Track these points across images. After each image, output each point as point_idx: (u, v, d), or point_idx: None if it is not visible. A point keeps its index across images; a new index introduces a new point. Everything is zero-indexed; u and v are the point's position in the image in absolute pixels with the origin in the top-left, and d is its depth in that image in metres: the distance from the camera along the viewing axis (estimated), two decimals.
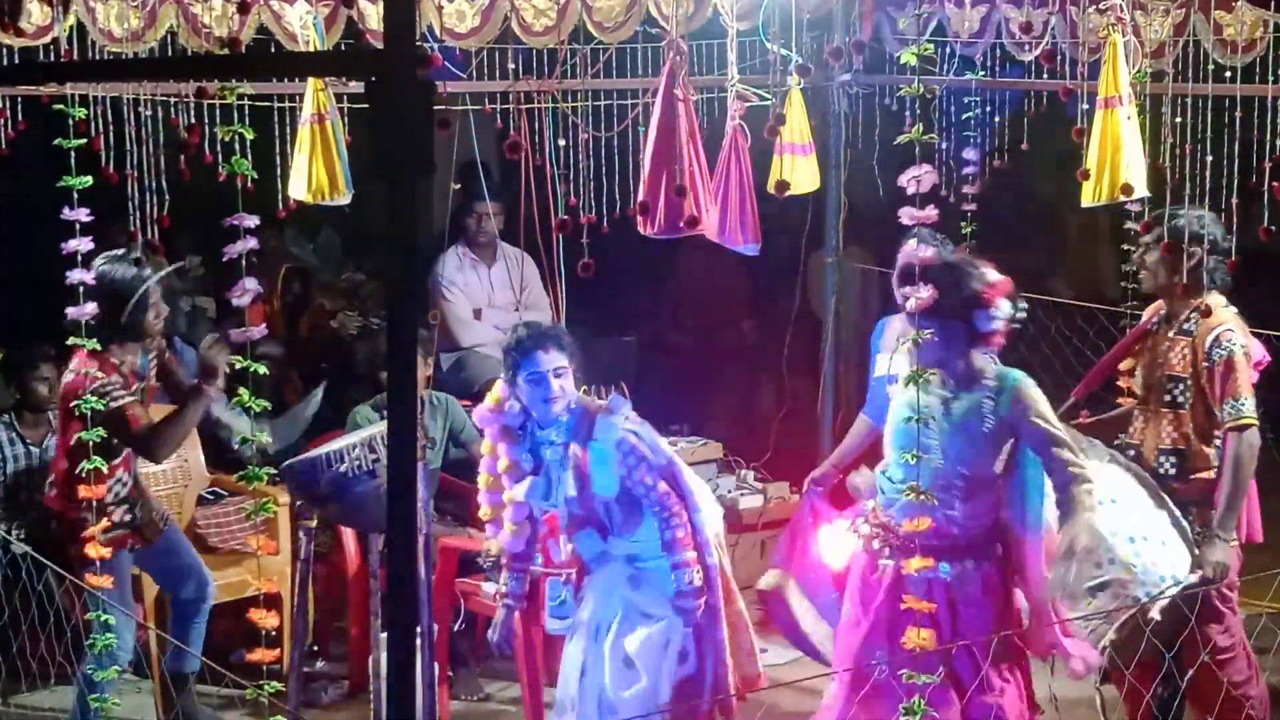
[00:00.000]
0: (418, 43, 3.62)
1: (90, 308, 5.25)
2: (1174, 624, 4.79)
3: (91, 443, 5.38)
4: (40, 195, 5.46)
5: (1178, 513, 5.16)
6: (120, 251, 5.67)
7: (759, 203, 5.80)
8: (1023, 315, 4.85)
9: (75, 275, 5.21)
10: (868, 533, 5.00)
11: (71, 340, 5.36)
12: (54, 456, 5.95)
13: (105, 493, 5.41)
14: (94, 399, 5.32)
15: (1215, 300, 5.19)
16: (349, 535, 6.38)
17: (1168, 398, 5.25)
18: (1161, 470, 5.25)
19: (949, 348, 4.77)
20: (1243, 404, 5.06)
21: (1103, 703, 5.38)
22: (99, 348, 5.51)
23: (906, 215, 4.67)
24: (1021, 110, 6.15)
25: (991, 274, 4.81)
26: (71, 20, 5.15)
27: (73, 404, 5.40)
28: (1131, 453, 5.36)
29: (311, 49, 5.40)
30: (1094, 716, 5.40)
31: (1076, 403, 5.61)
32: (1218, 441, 5.20)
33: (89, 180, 5.11)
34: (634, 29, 5.75)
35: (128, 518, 5.77)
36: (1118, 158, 4.92)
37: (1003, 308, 4.79)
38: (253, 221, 4.85)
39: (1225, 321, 5.15)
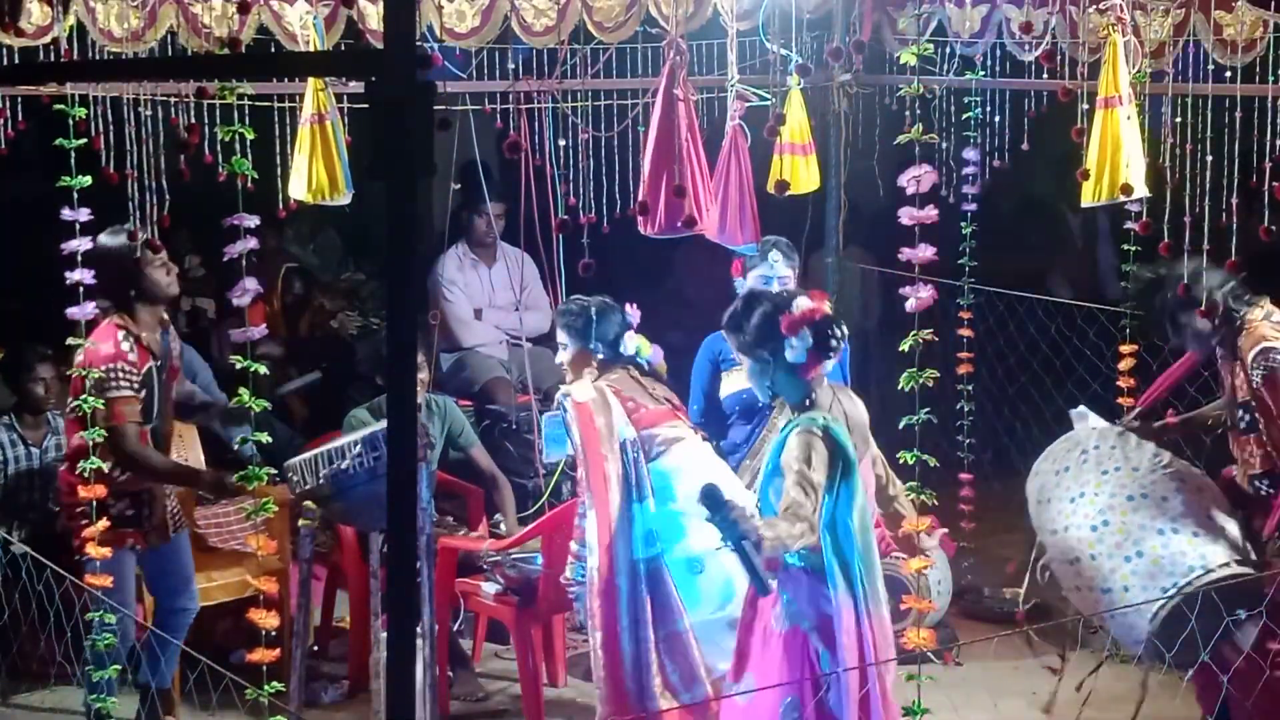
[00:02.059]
0: (418, 43, 3.62)
1: (90, 307, 5.26)
2: (1212, 619, 4.75)
3: (93, 442, 5.40)
4: (41, 195, 5.47)
5: (1221, 508, 5.15)
6: (120, 227, 5.60)
7: (759, 203, 5.80)
8: (837, 343, 4.57)
9: (75, 275, 5.22)
10: None
11: (71, 340, 5.38)
12: (66, 430, 5.89)
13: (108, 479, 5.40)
14: (93, 399, 5.32)
15: (1252, 315, 5.17)
16: (349, 535, 6.38)
17: (1243, 424, 5.22)
18: (1260, 494, 5.22)
19: (761, 377, 4.60)
20: None
21: (1141, 701, 5.39)
22: (118, 320, 5.52)
23: (906, 215, 4.67)
24: (1021, 110, 6.15)
25: (801, 302, 4.55)
26: (71, 20, 5.15)
27: (82, 374, 5.37)
28: (1235, 476, 5.36)
29: (311, 49, 5.40)
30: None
31: (1143, 412, 5.62)
32: None
33: (89, 180, 5.12)
34: (634, 29, 5.75)
35: (130, 513, 5.66)
36: (1118, 158, 4.92)
37: (804, 338, 4.49)
38: (253, 221, 4.86)
39: (1264, 338, 5.10)
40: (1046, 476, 5.40)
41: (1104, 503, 5.16)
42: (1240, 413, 5.22)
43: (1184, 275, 5.02)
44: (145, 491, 5.69)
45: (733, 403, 5.80)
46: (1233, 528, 5.12)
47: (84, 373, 5.32)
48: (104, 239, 5.43)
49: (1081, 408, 5.57)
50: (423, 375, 6.41)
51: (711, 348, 5.87)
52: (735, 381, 5.75)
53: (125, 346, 5.51)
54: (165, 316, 5.78)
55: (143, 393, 5.56)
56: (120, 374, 5.46)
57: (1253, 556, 5.08)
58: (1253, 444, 5.21)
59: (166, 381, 5.72)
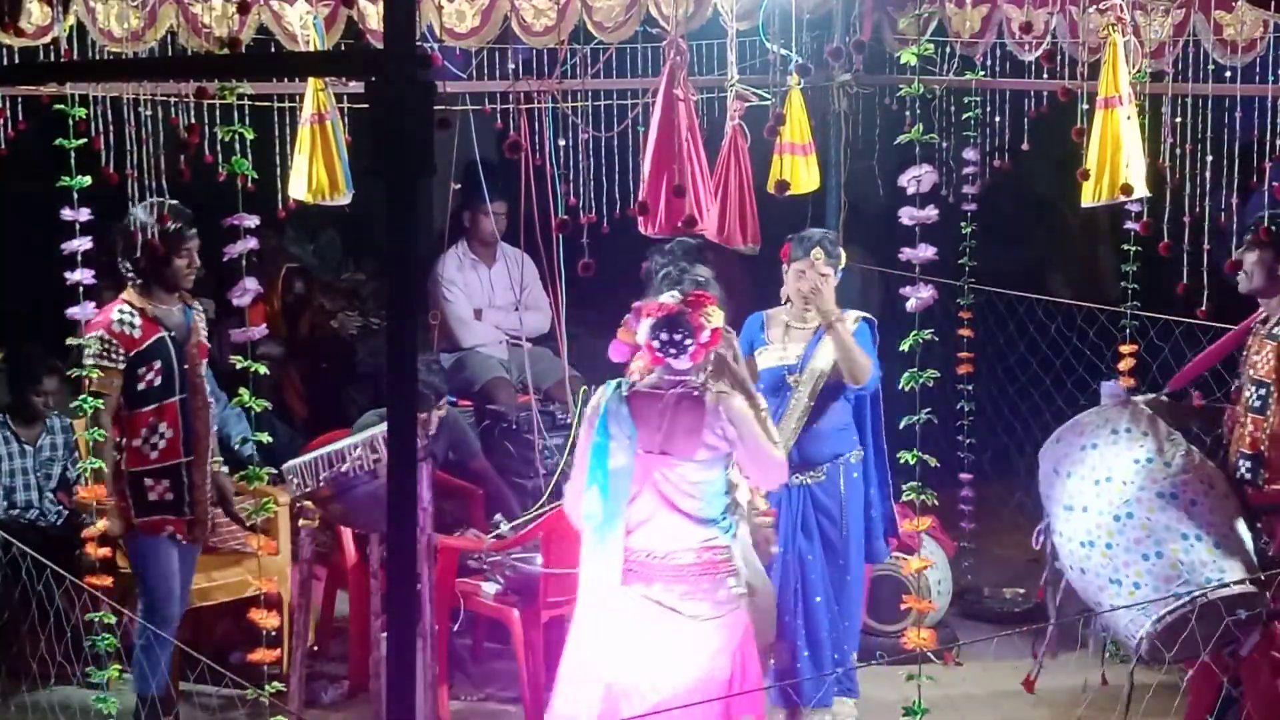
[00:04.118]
0: (418, 43, 3.62)
1: (90, 307, 5.26)
2: (1216, 625, 4.73)
3: (93, 442, 5.40)
4: (40, 195, 5.47)
5: (1243, 518, 5.13)
6: (173, 203, 5.55)
7: (759, 203, 5.80)
8: (665, 349, 4.69)
9: (75, 275, 5.22)
10: None
11: (70, 340, 5.38)
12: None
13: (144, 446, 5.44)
14: (91, 399, 5.33)
15: None
16: (349, 535, 6.37)
17: (1255, 402, 5.19)
18: (1239, 473, 5.21)
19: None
20: None
21: (1129, 691, 5.39)
22: (125, 295, 5.50)
23: (906, 215, 4.67)
24: (1021, 110, 6.16)
25: (663, 299, 4.73)
26: (71, 20, 5.15)
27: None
28: (1222, 454, 5.34)
29: (311, 49, 5.40)
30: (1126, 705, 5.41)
31: (1176, 392, 5.59)
32: None
33: (88, 180, 5.12)
34: (634, 29, 5.75)
35: (170, 497, 5.61)
36: (1118, 158, 4.92)
37: (642, 328, 4.70)
38: (253, 221, 4.86)
39: None
40: (1071, 448, 5.28)
41: (1133, 494, 5.09)
42: (1253, 389, 5.21)
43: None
44: (185, 471, 5.63)
45: (762, 379, 5.81)
46: (1250, 542, 5.10)
47: (83, 401, 5.36)
48: (140, 214, 5.42)
49: (1113, 382, 5.52)
50: (440, 413, 6.40)
51: (747, 331, 5.88)
52: (764, 359, 5.80)
53: (116, 317, 5.51)
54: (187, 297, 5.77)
55: (155, 363, 5.54)
56: (98, 343, 5.46)
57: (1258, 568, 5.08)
58: (1250, 422, 5.21)
59: (190, 355, 5.66)
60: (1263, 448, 5.15)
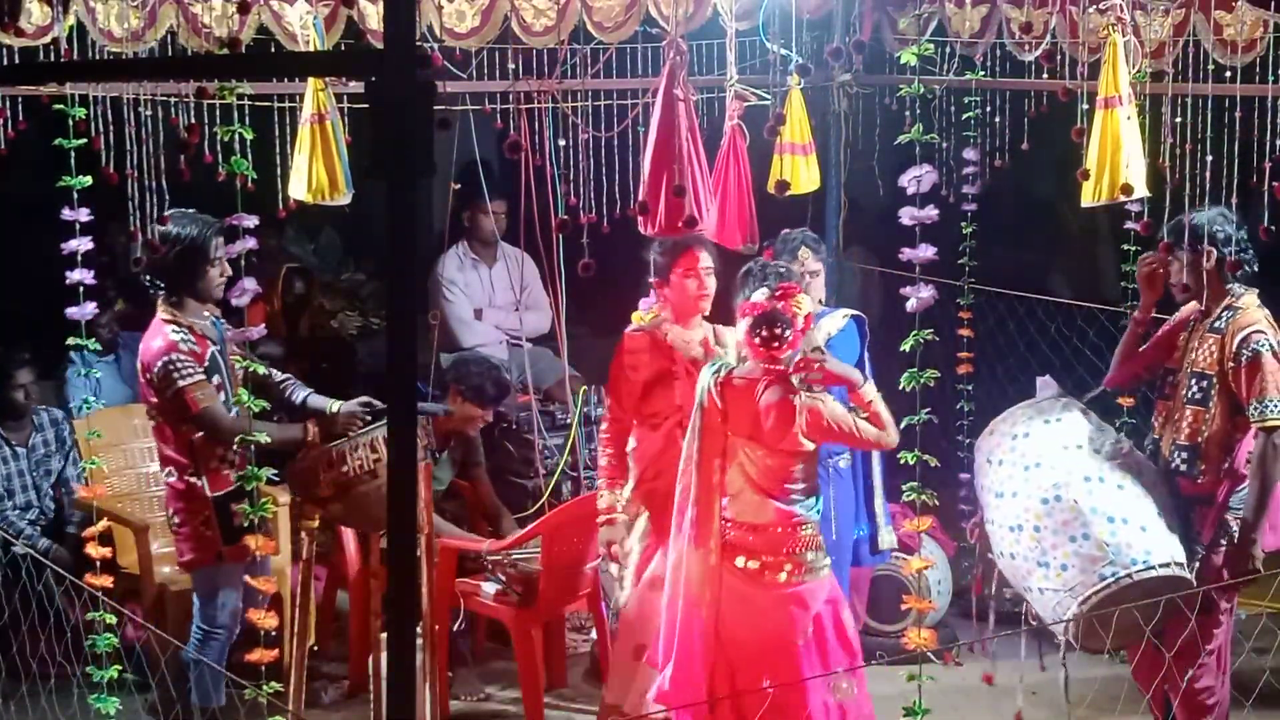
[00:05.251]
0: (418, 43, 3.62)
1: (90, 308, 5.25)
2: (1147, 610, 4.75)
3: (91, 441, 5.39)
4: (41, 195, 5.47)
5: (1173, 509, 5.17)
6: (191, 211, 5.51)
7: (759, 202, 5.80)
8: (767, 342, 4.93)
9: (75, 275, 5.22)
10: None
11: (71, 340, 5.38)
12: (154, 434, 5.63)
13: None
14: (92, 393, 5.33)
15: (1248, 300, 5.19)
16: (349, 535, 6.37)
17: (1196, 394, 5.23)
18: (1174, 464, 5.25)
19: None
20: (1269, 405, 5.04)
21: (1066, 678, 5.42)
22: (165, 315, 5.45)
23: (907, 215, 4.67)
24: (1021, 110, 6.15)
25: (759, 293, 4.99)
26: (71, 20, 5.15)
27: (146, 377, 5.39)
28: (1150, 446, 5.37)
29: (311, 49, 5.40)
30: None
31: (1106, 392, 5.65)
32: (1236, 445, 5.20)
33: (89, 180, 5.12)
34: (634, 29, 5.75)
35: (254, 520, 5.48)
36: (1118, 158, 4.92)
37: (740, 326, 5.00)
38: (253, 221, 4.86)
39: (1256, 322, 5.14)
40: (1003, 438, 5.39)
41: (1061, 478, 5.17)
42: (1193, 382, 5.23)
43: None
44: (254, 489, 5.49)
45: None
46: (1178, 530, 5.14)
47: (147, 377, 5.32)
48: (178, 228, 5.39)
49: (1047, 377, 5.60)
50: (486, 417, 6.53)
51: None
52: None
53: (176, 337, 5.40)
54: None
55: (214, 378, 5.44)
56: (178, 364, 5.35)
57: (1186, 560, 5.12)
58: (1189, 414, 5.23)
59: (230, 366, 5.60)
60: (1200, 439, 5.18)
